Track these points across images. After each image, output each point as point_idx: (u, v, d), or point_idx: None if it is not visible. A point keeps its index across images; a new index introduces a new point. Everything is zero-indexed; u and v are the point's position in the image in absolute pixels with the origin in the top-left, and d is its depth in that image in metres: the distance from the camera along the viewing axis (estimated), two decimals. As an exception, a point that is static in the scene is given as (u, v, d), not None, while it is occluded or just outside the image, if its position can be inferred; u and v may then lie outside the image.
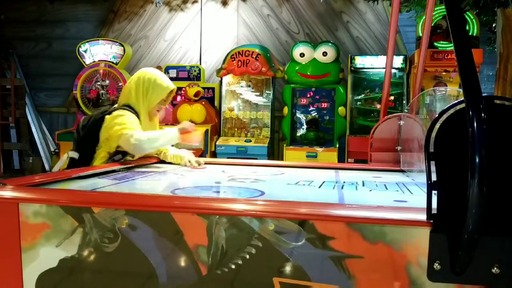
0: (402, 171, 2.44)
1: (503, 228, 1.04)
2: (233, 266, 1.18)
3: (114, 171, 2.13)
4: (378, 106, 5.75)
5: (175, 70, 6.42)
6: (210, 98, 6.33)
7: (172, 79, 6.32)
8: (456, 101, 1.07)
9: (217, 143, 6.04)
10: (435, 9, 4.78)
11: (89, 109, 6.33)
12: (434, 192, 1.06)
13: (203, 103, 6.21)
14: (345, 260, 1.13)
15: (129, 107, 2.40)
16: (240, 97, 6.45)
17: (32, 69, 7.50)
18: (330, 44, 6.01)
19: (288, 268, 1.16)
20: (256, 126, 6.35)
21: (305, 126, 6.17)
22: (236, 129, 6.32)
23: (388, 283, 1.11)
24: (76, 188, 1.67)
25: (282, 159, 6.10)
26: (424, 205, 1.08)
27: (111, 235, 1.25)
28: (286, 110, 6.11)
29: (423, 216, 1.08)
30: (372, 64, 5.87)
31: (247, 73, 6.07)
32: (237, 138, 6.16)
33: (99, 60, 6.50)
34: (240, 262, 1.18)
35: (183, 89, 6.22)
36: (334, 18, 6.77)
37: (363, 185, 1.91)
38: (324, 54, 5.88)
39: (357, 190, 1.78)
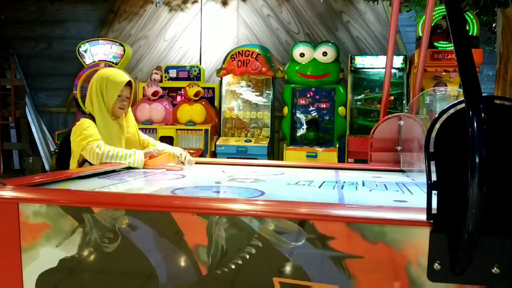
0: (402, 171, 2.44)
1: (503, 228, 1.04)
2: (233, 266, 1.18)
3: (114, 171, 2.13)
4: (378, 106, 5.74)
5: (175, 70, 6.43)
6: (210, 98, 6.33)
7: (172, 79, 6.42)
8: (456, 101, 1.07)
9: (217, 143, 6.04)
10: (435, 9, 4.78)
11: (89, 109, 6.32)
12: (434, 192, 1.06)
13: (203, 103, 6.21)
14: (345, 260, 1.13)
15: (89, 115, 2.43)
16: (240, 97, 6.45)
17: (32, 69, 7.50)
18: (330, 44, 6.01)
19: (288, 268, 1.16)
20: (256, 126, 6.35)
21: (305, 126, 6.17)
22: (236, 129, 6.32)
23: (388, 283, 1.11)
24: (76, 188, 1.67)
25: (282, 159, 6.10)
26: (424, 205, 1.08)
27: (111, 235, 1.25)
28: (286, 110, 6.12)
29: (423, 216, 1.08)
30: (372, 64, 5.87)
31: (247, 73, 6.07)
32: (237, 138, 6.16)
33: (99, 60, 6.51)
34: (240, 262, 1.18)
35: (183, 89, 6.22)
36: (334, 18, 6.77)
37: (363, 185, 1.91)
38: (324, 54, 5.88)
39: (357, 190, 1.78)
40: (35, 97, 7.55)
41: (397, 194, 1.64)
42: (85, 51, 6.55)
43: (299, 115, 6.23)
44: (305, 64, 5.96)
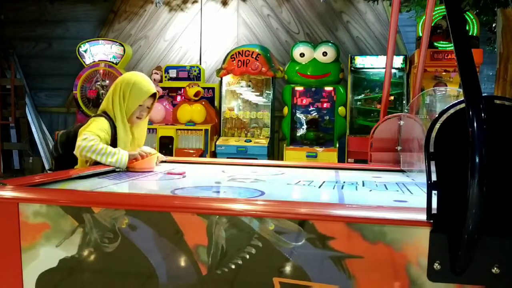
0: (402, 171, 2.43)
1: (503, 228, 1.04)
2: (233, 266, 1.18)
3: (114, 171, 2.13)
4: (378, 106, 5.75)
5: (175, 70, 6.42)
6: (210, 98, 6.33)
7: (172, 79, 6.42)
8: (456, 101, 1.07)
9: (217, 143, 6.04)
10: (435, 9, 4.77)
11: (89, 109, 6.33)
12: (434, 192, 1.06)
13: (203, 103, 6.21)
14: (345, 260, 1.13)
15: (105, 114, 2.34)
16: (240, 97, 6.45)
17: (32, 69, 7.50)
18: (330, 44, 6.01)
19: (288, 268, 1.16)
20: (256, 126, 6.35)
21: (305, 126, 6.17)
22: (236, 129, 6.32)
23: (388, 283, 1.11)
24: (76, 188, 1.67)
25: (282, 159, 6.10)
26: (424, 205, 1.08)
27: (111, 235, 1.25)
28: (286, 110, 6.12)
29: (423, 216, 1.08)
30: (372, 64, 5.87)
31: (247, 73, 6.07)
32: (237, 138, 6.16)
33: (99, 60, 6.50)
34: (240, 262, 1.18)
35: (183, 89, 6.22)
36: (334, 18, 6.77)
37: (363, 185, 1.91)
38: (324, 54, 5.88)
39: (357, 190, 1.78)
40: (35, 97, 7.55)
41: (397, 194, 1.64)
42: (85, 51, 6.55)
43: (299, 115, 6.23)
44: (305, 64, 5.96)
